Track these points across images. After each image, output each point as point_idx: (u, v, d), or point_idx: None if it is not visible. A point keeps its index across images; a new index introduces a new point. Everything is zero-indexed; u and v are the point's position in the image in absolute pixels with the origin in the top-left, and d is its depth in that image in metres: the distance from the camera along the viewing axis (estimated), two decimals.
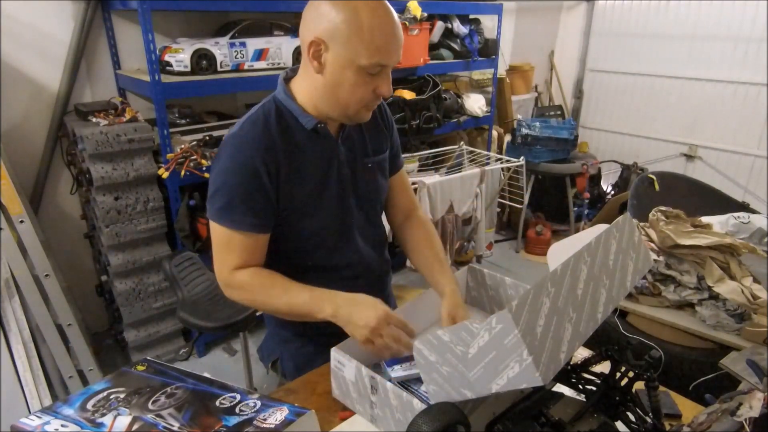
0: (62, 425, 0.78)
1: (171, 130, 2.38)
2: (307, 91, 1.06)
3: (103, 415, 0.79)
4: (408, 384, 0.99)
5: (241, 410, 0.79)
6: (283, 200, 1.06)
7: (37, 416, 0.80)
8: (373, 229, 1.26)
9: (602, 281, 0.87)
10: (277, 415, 0.77)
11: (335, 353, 1.00)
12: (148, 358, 0.97)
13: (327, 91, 1.02)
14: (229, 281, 1.05)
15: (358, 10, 0.93)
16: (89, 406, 0.82)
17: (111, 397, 0.84)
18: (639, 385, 0.86)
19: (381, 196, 1.26)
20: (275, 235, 1.10)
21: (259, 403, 0.81)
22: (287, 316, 1.07)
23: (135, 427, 0.76)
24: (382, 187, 1.25)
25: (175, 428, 0.76)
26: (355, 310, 0.97)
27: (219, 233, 1.04)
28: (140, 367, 0.93)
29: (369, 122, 1.17)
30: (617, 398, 0.86)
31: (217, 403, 0.81)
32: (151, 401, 0.82)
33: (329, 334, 1.14)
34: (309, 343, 1.24)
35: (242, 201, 1.01)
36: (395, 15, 0.98)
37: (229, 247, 1.04)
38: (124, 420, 0.78)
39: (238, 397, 0.83)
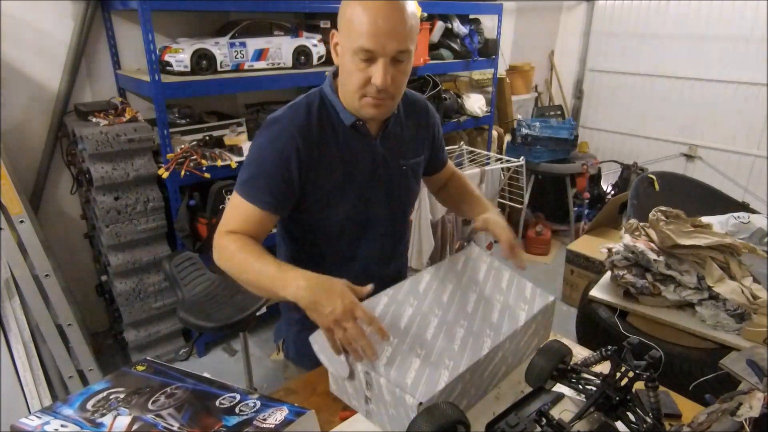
0: (62, 425, 0.78)
1: (171, 130, 2.38)
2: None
3: (103, 415, 0.79)
4: None
5: (241, 410, 0.79)
6: (311, 188, 1.09)
7: (37, 416, 0.80)
8: (398, 230, 1.28)
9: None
10: (277, 415, 0.77)
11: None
12: (148, 358, 0.97)
13: (341, 80, 1.08)
14: (217, 242, 1.05)
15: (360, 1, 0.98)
16: (89, 406, 0.82)
17: (111, 397, 0.84)
18: (639, 385, 0.86)
19: (411, 200, 1.29)
20: (300, 219, 1.14)
21: (258, 403, 0.81)
22: (255, 289, 1.02)
23: (135, 427, 0.76)
24: (414, 191, 1.28)
25: (174, 428, 0.76)
26: (321, 296, 0.90)
27: (234, 201, 1.08)
28: (140, 367, 0.93)
29: (411, 123, 1.22)
30: (617, 398, 0.86)
31: (217, 403, 0.81)
32: (150, 401, 0.82)
33: None
34: (306, 330, 1.23)
35: (265, 179, 1.05)
36: (397, 5, 0.98)
37: (235, 214, 1.07)
38: (123, 420, 0.78)
39: (238, 397, 0.83)
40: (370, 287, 0.96)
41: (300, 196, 1.10)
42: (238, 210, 1.06)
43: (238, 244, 1.02)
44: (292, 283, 0.93)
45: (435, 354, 0.94)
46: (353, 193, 1.14)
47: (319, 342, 0.99)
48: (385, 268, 1.27)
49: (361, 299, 0.95)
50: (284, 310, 1.33)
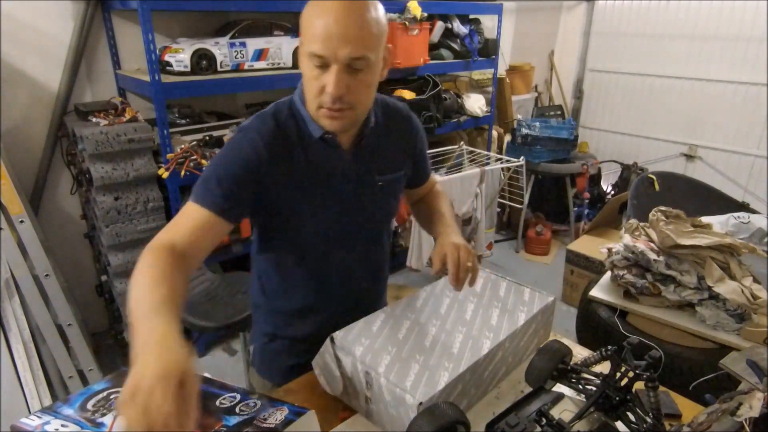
0: (62, 425, 0.78)
1: (171, 130, 2.38)
2: None
3: (104, 415, 0.79)
4: None
5: (241, 410, 0.79)
6: (278, 201, 1.03)
7: (37, 416, 0.80)
8: (374, 248, 1.20)
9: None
10: (277, 415, 0.77)
11: (332, 349, 1.00)
12: None
13: (303, 89, 1.01)
14: (146, 250, 0.89)
15: (318, 2, 0.92)
16: (89, 406, 0.82)
17: (111, 397, 0.84)
18: (639, 385, 0.86)
19: (388, 218, 1.20)
20: (271, 234, 1.10)
21: (259, 403, 0.81)
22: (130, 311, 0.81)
23: None
24: (391, 209, 1.19)
25: None
26: (147, 356, 0.67)
27: (185, 208, 0.97)
28: None
29: (393, 134, 1.13)
30: (617, 398, 0.86)
31: (217, 402, 0.81)
32: None
33: (292, 338, 1.20)
34: (272, 343, 1.23)
35: (218, 181, 0.96)
36: (356, 7, 0.90)
37: (181, 220, 0.95)
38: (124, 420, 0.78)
39: (238, 396, 0.83)
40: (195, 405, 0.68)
41: (268, 210, 1.04)
42: (184, 215, 0.96)
43: (155, 259, 0.86)
44: (137, 338, 0.73)
45: (434, 358, 0.95)
46: (324, 208, 1.06)
47: (319, 365, 1.03)
48: (361, 282, 1.20)
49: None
50: (256, 320, 1.28)
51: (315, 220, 1.06)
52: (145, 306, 0.80)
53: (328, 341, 1.01)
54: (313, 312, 1.18)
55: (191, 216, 0.95)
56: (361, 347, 0.97)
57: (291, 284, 1.16)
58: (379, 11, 0.95)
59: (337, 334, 1.01)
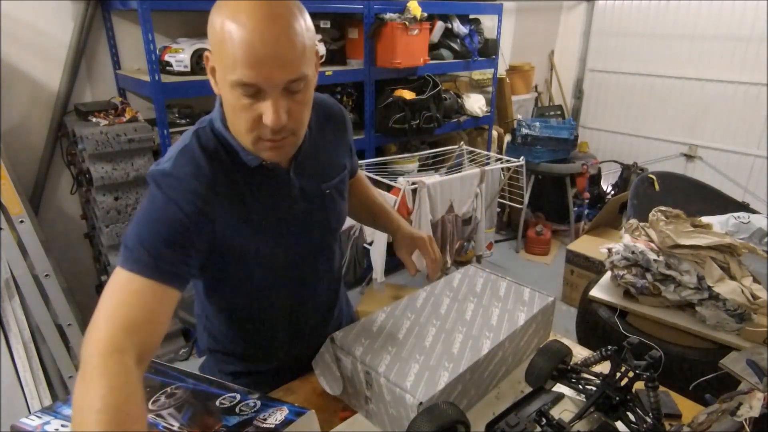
0: (62, 425, 0.78)
1: (171, 130, 2.38)
2: None
3: None
4: None
5: (241, 410, 0.79)
6: (228, 247, 0.90)
7: (37, 416, 0.80)
8: (330, 254, 1.11)
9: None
10: (277, 415, 0.77)
11: (332, 349, 1.00)
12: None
13: (228, 118, 0.86)
14: (92, 363, 0.69)
15: (230, 13, 0.75)
16: None
17: None
18: (639, 385, 0.86)
19: (340, 221, 1.10)
20: (231, 280, 0.98)
21: (258, 403, 0.81)
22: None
23: None
24: (343, 212, 1.10)
25: (175, 428, 0.75)
26: None
27: (116, 286, 0.79)
28: None
29: (327, 135, 1.04)
30: (617, 398, 0.86)
31: (217, 403, 0.81)
32: (151, 401, 0.82)
33: (263, 372, 1.13)
34: (240, 379, 1.10)
35: (165, 237, 0.80)
36: (280, 20, 0.76)
37: (123, 302, 0.78)
38: None
39: (238, 397, 0.83)
40: None
41: (215, 258, 0.90)
42: (124, 296, 0.78)
43: (108, 373, 0.67)
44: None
45: (434, 358, 0.95)
46: (275, 237, 0.95)
47: (319, 365, 1.03)
48: (320, 295, 1.12)
49: None
50: (213, 362, 1.15)
51: (271, 250, 0.96)
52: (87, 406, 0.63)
53: (328, 341, 1.01)
54: (280, 342, 1.10)
55: (133, 294, 0.77)
56: (361, 347, 0.97)
57: (248, 325, 1.06)
58: (304, 13, 0.82)
59: (337, 334, 1.01)
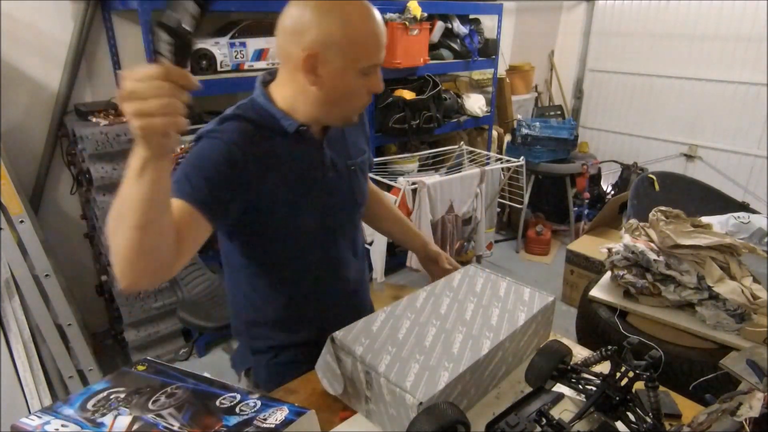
0: (62, 425, 0.78)
1: None
2: (292, 98, 1.03)
3: (104, 415, 0.79)
4: None
5: (241, 410, 0.79)
6: (265, 200, 1.01)
7: (38, 416, 0.80)
8: (354, 232, 1.24)
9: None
10: (278, 415, 0.77)
11: (332, 349, 1.00)
12: (149, 357, 0.97)
13: (327, 102, 1.00)
14: None
15: (350, 16, 0.93)
16: (89, 405, 0.82)
17: (111, 397, 0.84)
18: (639, 385, 0.86)
19: (364, 199, 1.23)
20: (263, 238, 1.07)
21: (259, 403, 0.81)
22: (127, 229, 0.76)
23: (135, 427, 0.76)
24: (365, 190, 1.24)
25: (175, 428, 0.76)
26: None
27: None
28: (140, 367, 0.93)
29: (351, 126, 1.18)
30: (617, 398, 0.86)
31: (217, 402, 0.81)
32: (151, 401, 0.82)
33: (301, 344, 1.19)
34: (281, 355, 1.22)
35: (202, 178, 0.92)
36: (378, 14, 0.98)
37: None
38: (124, 420, 0.78)
39: (238, 396, 0.83)
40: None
41: (253, 214, 1.01)
42: None
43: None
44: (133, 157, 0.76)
45: (434, 358, 0.94)
46: (308, 200, 1.07)
47: (321, 367, 1.03)
48: (348, 269, 1.22)
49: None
50: (243, 341, 1.27)
51: (303, 210, 1.07)
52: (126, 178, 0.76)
53: (328, 341, 1.01)
54: (314, 310, 1.19)
55: (174, 211, 0.87)
56: (360, 347, 0.97)
57: (286, 289, 1.15)
58: None
59: (337, 334, 1.01)
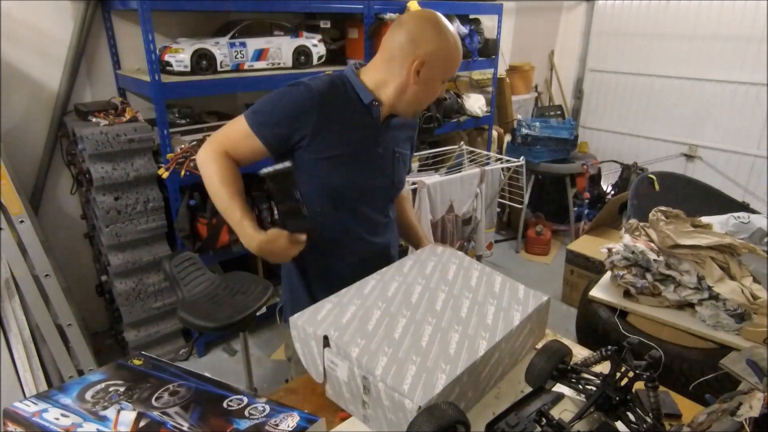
0: (62, 414, 0.77)
1: (171, 130, 2.38)
2: (382, 83, 1.26)
3: (105, 408, 0.79)
4: None
5: (250, 414, 0.79)
6: (317, 146, 1.22)
7: (33, 402, 0.79)
8: (385, 210, 1.42)
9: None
10: (289, 421, 0.77)
11: (328, 353, 0.99)
12: (144, 353, 0.96)
13: (416, 98, 1.26)
14: (209, 153, 1.23)
15: (449, 41, 1.21)
16: (88, 396, 0.81)
17: (110, 389, 0.83)
18: (639, 385, 0.86)
19: (401, 184, 1.44)
20: (304, 176, 1.25)
21: (268, 408, 0.80)
22: (215, 204, 1.22)
23: (142, 424, 0.76)
24: (403, 177, 1.45)
25: (184, 428, 0.75)
26: (265, 254, 1.16)
27: (239, 124, 1.22)
28: (137, 361, 0.93)
29: (406, 125, 1.40)
30: (617, 398, 0.86)
31: (225, 404, 0.81)
32: (154, 398, 0.81)
33: (334, 289, 1.23)
34: (308, 296, 1.37)
35: (277, 120, 1.20)
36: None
37: (235, 135, 1.23)
38: (128, 415, 0.77)
39: (246, 400, 0.82)
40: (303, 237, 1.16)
41: (305, 153, 1.23)
42: (239, 133, 1.22)
43: (221, 175, 1.20)
44: (246, 238, 1.17)
45: (431, 359, 0.94)
46: (352, 161, 1.27)
47: (303, 355, 1.08)
48: (375, 238, 1.40)
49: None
50: (285, 275, 1.45)
51: (350, 169, 1.27)
52: (236, 215, 1.18)
53: (322, 341, 1.00)
54: (343, 251, 1.36)
55: (243, 138, 1.21)
56: (357, 348, 0.96)
57: (318, 231, 1.31)
58: None
59: (332, 335, 1.00)
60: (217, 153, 1.22)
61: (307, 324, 1.02)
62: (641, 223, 1.92)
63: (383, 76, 1.26)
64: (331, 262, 1.37)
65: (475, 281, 1.21)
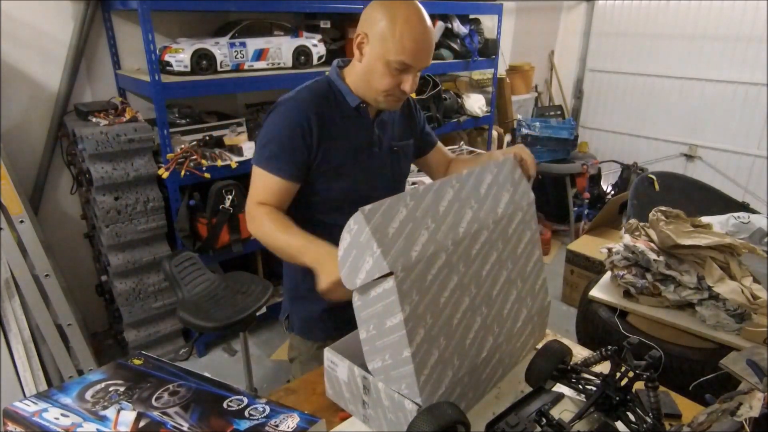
0: (62, 414, 0.77)
1: (171, 130, 2.38)
2: (352, 77, 1.22)
3: (105, 407, 0.79)
4: None
5: (250, 414, 0.79)
6: (321, 159, 1.20)
7: (33, 401, 0.79)
8: None
9: (469, 204, 1.00)
10: (289, 422, 0.77)
11: (328, 353, 1.00)
12: (144, 352, 0.96)
13: (363, 77, 1.19)
14: (251, 211, 1.20)
15: (397, 16, 1.10)
16: (88, 396, 0.81)
17: (110, 389, 0.83)
18: (639, 385, 0.86)
19: (403, 177, 1.41)
20: (306, 189, 1.24)
21: (268, 409, 0.80)
22: (282, 255, 1.16)
23: (141, 424, 0.76)
24: (405, 170, 1.42)
25: (184, 428, 0.75)
26: (323, 266, 1.04)
27: (260, 175, 1.19)
28: (137, 361, 0.92)
29: (400, 113, 1.35)
30: (617, 398, 0.86)
31: (225, 405, 0.81)
32: (154, 398, 0.81)
33: (330, 307, 1.26)
34: (316, 303, 1.32)
35: (287, 153, 1.17)
36: (429, 25, 1.12)
37: (265, 188, 1.19)
38: (128, 415, 0.77)
39: (246, 400, 0.82)
40: None
41: (312, 167, 1.21)
42: (264, 183, 1.19)
43: (267, 219, 1.16)
44: (309, 256, 1.07)
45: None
46: (353, 169, 1.25)
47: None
48: None
49: None
50: (288, 286, 1.42)
51: (348, 176, 1.24)
52: (299, 240, 1.10)
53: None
54: None
55: (271, 186, 1.18)
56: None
57: (322, 233, 1.24)
58: None
59: (329, 348, 1.00)
60: (258, 211, 1.17)
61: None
62: (641, 223, 1.92)
63: (353, 67, 1.23)
64: None
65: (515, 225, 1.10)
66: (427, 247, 0.88)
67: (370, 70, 1.16)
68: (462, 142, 3.41)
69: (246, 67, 2.54)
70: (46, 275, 2.05)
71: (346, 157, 1.24)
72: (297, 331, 1.41)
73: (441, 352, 0.88)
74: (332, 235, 1.25)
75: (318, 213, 1.28)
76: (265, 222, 1.15)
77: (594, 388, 0.89)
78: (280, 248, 1.14)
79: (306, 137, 1.17)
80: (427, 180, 2.70)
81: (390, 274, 0.82)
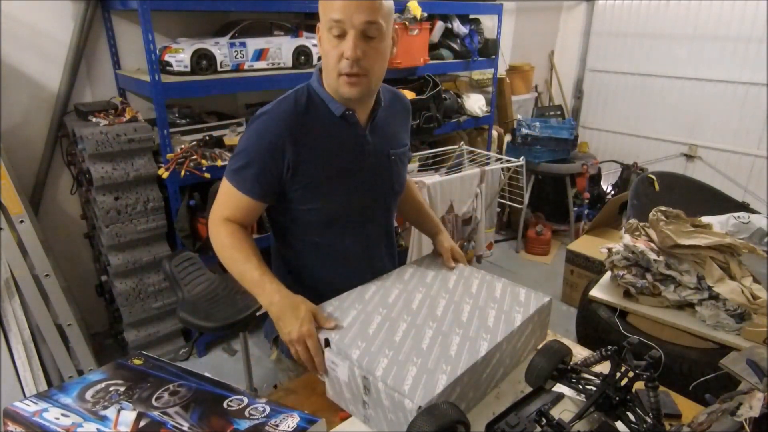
0: (63, 414, 0.77)
1: (171, 130, 2.38)
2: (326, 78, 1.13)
3: (105, 407, 0.79)
4: None
5: (250, 414, 0.79)
6: (301, 178, 1.11)
7: (33, 401, 0.79)
8: (387, 220, 1.31)
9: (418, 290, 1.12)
10: (289, 422, 0.77)
11: (329, 353, 1.00)
12: (144, 352, 0.96)
13: (324, 69, 1.10)
14: (213, 229, 1.14)
15: None
16: (88, 396, 0.81)
17: (111, 389, 0.83)
18: (639, 385, 0.86)
19: (401, 188, 1.31)
20: (289, 210, 1.17)
21: (268, 408, 0.80)
22: (238, 280, 1.12)
23: (142, 424, 0.76)
24: (404, 179, 1.32)
25: (184, 428, 0.75)
26: (283, 316, 1.01)
27: (226, 188, 1.13)
28: (137, 361, 0.93)
29: (397, 115, 1.27)
30: (617, 398, 0.86)
31: (225, 405, 0.81)
32: (154, 398, 0.81)
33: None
34: None
35: (255, 170, 1.08)
36: None
37: (227, 200, 1.13)
38: (129, 415, 0.77)
39: (246, 400, 0.82)
40: (333, 323, 1.02)
41: (289, 186, 1.12)
42: (229, 197, 1.12)
43: (231, 240, 1.10)
44: (264, 298, 1.04)
45: (432, 361, 0.94)
46: (345, 183, 1.16)
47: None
48: (373, 259, 1.29)
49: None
50: None
51: (338, 192, 1.16)
52: (254, 275, 1.06)
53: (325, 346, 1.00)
54: (337, 283, 1.22)
55: (236, 201, 1.11)
56: (357, 350, 0.96)
57: (313, 252, 1.22)
58: None
59: (333, 337, 1.00)
60: (220, 222, 1.12)
61: None
62: (641, 223, 1.92)
63: None
64: (330, 281, 1.24)
65: (476, 288, 1.21)
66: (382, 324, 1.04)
67: (323, 54, 1.07)
68: (462, 142, 3.41)
69: (246, 67, 2.54)
70: (46, 275, 2.05)
71: (332, 172, 1.14)
72: (285, 352, 1.27)
73: (419, 367, 0.93)
74: (328, 257, 1.22)
75: (310, 233, 1.20)
76: (225, 243, 1.10)
77: (594, 388, 0.89)
78: (236, 275, 1.09)
79: (277, 157, 1.08)
80: (427, 180, 2.70)
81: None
